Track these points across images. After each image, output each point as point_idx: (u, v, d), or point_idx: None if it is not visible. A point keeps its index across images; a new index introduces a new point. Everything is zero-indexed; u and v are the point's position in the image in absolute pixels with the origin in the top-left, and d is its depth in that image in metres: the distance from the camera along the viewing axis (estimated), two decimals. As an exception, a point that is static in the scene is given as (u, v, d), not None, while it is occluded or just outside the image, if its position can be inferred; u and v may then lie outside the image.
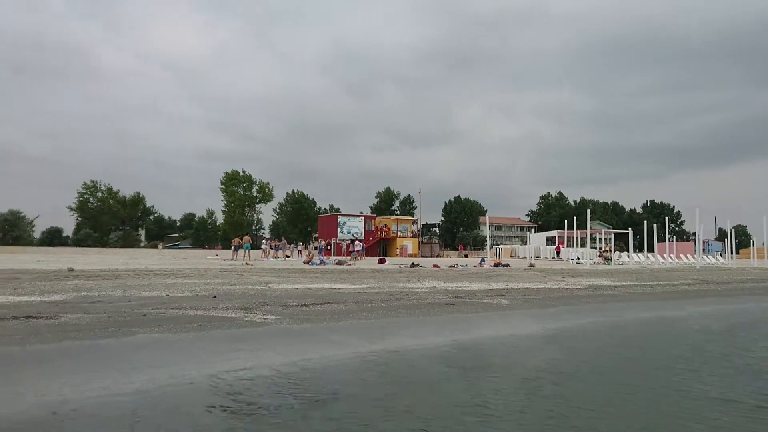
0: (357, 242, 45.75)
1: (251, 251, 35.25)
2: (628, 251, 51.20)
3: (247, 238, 37.04)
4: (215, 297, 12.71)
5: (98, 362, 6.56)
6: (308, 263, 29.75)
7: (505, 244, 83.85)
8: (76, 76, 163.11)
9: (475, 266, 31.67)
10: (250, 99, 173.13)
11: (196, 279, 16.86)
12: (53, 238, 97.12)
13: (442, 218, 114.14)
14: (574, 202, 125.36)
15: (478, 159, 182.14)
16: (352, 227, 59.73)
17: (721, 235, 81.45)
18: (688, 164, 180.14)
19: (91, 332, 7.98)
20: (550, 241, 65.80)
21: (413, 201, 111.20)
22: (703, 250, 55.36)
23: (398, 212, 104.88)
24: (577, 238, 47.76)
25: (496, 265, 34.10)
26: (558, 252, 54.94)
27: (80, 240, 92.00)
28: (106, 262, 24.34)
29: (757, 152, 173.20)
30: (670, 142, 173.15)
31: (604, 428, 5.01)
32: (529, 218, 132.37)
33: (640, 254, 51.28)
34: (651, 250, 49.32)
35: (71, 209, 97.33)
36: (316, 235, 68.18)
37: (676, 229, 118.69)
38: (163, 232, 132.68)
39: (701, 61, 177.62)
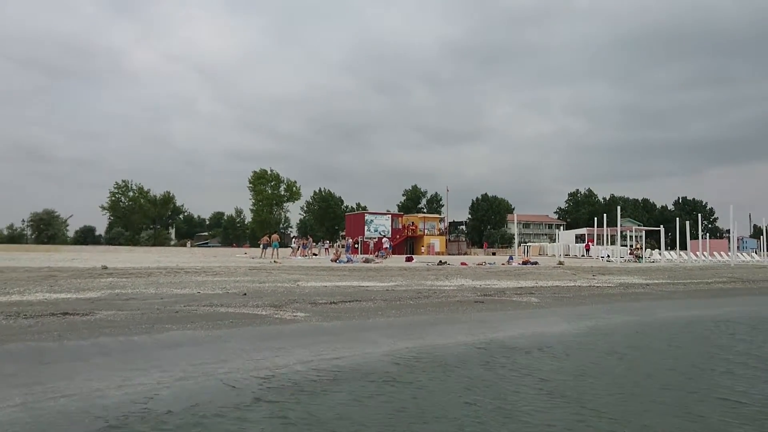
0: (385, 239, 45.79)
1: (279, 249, 35.54)
2: (659, 249, 50.32)
3: (275, 236, 37.34)
4: (245, 294, 12.82)
5: (133, 358, 6.67)
6: (336, 261, 29.86)
7: (533, 242, 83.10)
8: (109, 78, 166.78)
9: (503, 264, 31.43)
10: (278, 98, 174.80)
11: (225, 277, 17.04)
12: (86, 236, 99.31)
13: (470, 216, 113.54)
14: (604, 199, 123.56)
15: (505, 156, 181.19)
16: (379, 225, 59.77)
17: (756, 233, 79.54)
18: (722, 159, 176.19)
19: (125, 329, 8.11)
20: (579, 238, 65.04)
21: (440, 199, 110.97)
22: (738, 247, 54.12)
23: (425, 210, 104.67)
24: (607, 235, 47.07)
25: (525, 263, 33.81)
26: (587, 250, 54.26)
27: (112, 239, 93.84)
28: (137, 260, 24.77)
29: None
30: (704, 136, 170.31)
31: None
32: (557, 216, 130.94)
33: (671, 252, 50.39)
34: (683, 247, 48.47)
35: (103, 208, 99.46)
36: (343, 233, 68.41)
37: (709, 226, 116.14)
38: (192, 231, 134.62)
39: (735, 52, 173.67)
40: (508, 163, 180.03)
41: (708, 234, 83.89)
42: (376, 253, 41.82)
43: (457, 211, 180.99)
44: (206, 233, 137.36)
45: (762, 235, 51.78)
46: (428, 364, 7.20)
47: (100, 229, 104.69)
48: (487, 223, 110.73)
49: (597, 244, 51.65)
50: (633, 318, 12.45)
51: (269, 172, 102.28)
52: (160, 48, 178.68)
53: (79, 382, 5.59)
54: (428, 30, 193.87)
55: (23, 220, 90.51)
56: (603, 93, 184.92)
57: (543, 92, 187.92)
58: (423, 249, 58.76)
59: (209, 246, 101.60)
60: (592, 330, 10.46)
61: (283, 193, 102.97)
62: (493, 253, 66.91)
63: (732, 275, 28.14)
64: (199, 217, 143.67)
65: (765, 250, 49.76)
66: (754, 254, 58.63)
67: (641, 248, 47.39)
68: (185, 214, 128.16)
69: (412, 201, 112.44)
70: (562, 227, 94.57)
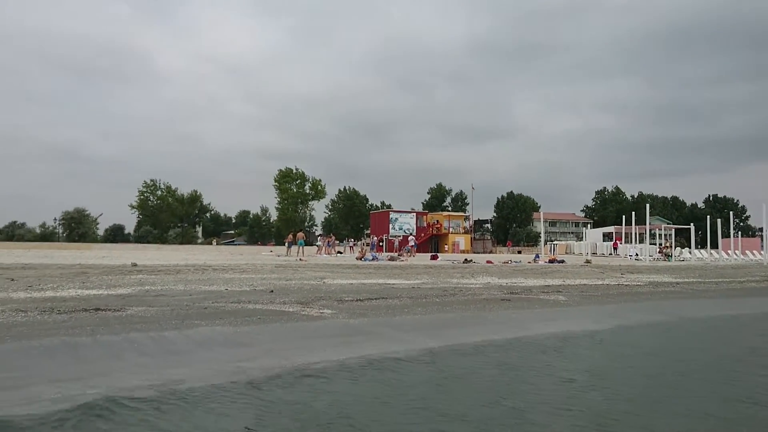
0: (411, 237, 45.76)
1: (305, 247, 35.74)
2: (689, 247, 49.42)
3: (300, 234, 37.54)
4: (272, 292, 12.92)
5: (163, 352, 6.78)
6: (361, 259, 29.93)
7: (559, 241, 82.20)
8: (141, 79, 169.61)
9: (529, 262, 31.17)
10: (303, 97, 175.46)
11: (252, 274, 17.19)
12: (116, 235, 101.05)
13: (495, 214, 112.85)
14: (632, 197, 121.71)
15: (531, 154, 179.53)
16: (404, 223, 59.72)
17: (790, 231, 77.55)
18: (755, 156, 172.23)
19: (156, 324, 8.23)
20: (607, 237, 64.21)
21: (465, 197, 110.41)
22: (771, 246, 52.86)
23: (450, 208, 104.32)
24: (635, 233, 46.35)
25: (551, 261, 33.48)
26: (615, 248, 53.52)
27: (141, 237, 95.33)
28: (166, 258, 25.13)
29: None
30: (736, 133, 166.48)
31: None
32: (584, 214, 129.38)
33: (702, 250, 49.46)
34: (714, 246, 47.45)
35: (132, 207, 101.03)
36: (368, 231, 68.55)
37: (741, 224, 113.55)
38: (219, 229, 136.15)
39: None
40: (534, 160, 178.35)
41: (740, 232, 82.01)
42: (402, 249, 41.83)
43: (483, 210, 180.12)
44: (232, 231, 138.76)
45: (796, 233, 50.50)
46: (456, 360, 7.18)
47: (129, 228, 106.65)
48: (513, 222, 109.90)
49: (625, 242, 50.91)
50: (663, 317, 12.23)
51: (294, 170, 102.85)
52: (190, 49, 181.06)
53: (113, 377, 5.70)
54: (454, 27, 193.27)
55: (55, 219, 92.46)
56: (632, 89, 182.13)
57: (571, 89, 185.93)
58: (446, 247, 58.54)
59: (235, 244, 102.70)
60: (623, 328, 10.31)
61: (308, 191, 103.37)
62: (519, 252, 66.39)
63: (765, 274, 27.50)
64: (225, 215, 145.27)
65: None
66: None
67: (671, 246, 46.58)
68: (212, 212, 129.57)
69: (436, 199, 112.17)
70: (589, 225, 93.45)
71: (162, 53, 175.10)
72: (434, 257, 35.62)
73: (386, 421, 4.85)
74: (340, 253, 41.08)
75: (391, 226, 58.64)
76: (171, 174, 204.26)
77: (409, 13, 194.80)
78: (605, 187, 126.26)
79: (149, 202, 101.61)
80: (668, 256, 43.46)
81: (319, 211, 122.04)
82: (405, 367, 6.79)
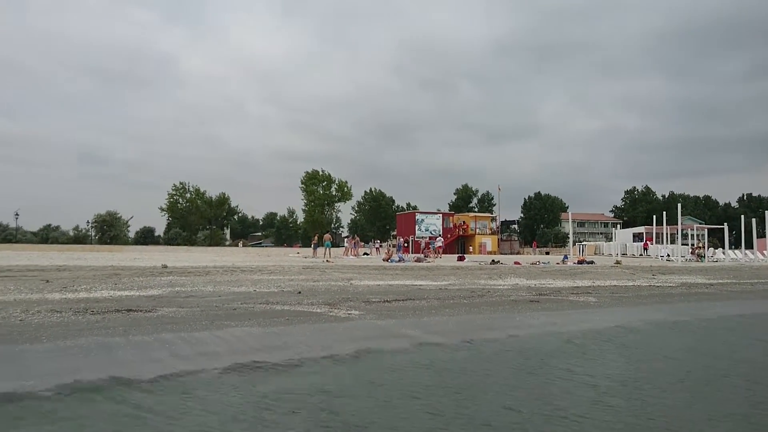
0: (439, 238, 45.64)
1: (332, 249, 35.87)
2: (723, 248, 48.34)
3: (327, 236, 37.70)
4: (300, 293, 12.98)
5: (196, 354, 6.85)
6: (387, 260, 29.93)
7: (588, 241, 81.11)
8: (163, 82, 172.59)
9: (557, 263, 30.82)
10: (327, 98, 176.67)
11: (280, 275, 17.30)
12: (146, 237, 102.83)
13: (522, 215, 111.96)
14: (663, 196, 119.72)
15: (558, 153, 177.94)
16: (430, 224, 59.59)
17: (829, 230, 75.35)
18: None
19: (186, 325, 8.33)
20: (637, 237, 63.22)
21: (492, 198, 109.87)
22: (809, 246, 51.41)
23: (476, 209, 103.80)
24: (666, 234, 45.49)
25: (580, 262, 33.08)
26: (646, 249, 52.64)
27: (170, 239, 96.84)
28: (195, 260, 25.45)
29: None
30: (766, 130, 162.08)
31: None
32: (613, 214, 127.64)
33: (736, 251, 48.32)
34: (749, 246, 46.30)
35: (162, 210, 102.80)
36: (394, 232, 68.53)
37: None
38: (246, 231, 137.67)
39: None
40: (558, 160, 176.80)
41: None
42: (427, 247, 41.73)
43: (510, 210, 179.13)
44: (260, 233, 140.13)
45: (835, 233, 49.06)
46: (481, 363, 7.12)
47: (159, 230, 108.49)
48: (540, 222, 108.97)
49: (656, 242, 50.03)
50: (698, 319, 11.96)
51: (321, 172, 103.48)
52: (212, 52, 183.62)
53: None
54: (475, 27, 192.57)
55: (88, 222, 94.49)
56: (660, 87, 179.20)
57: (594, 88, 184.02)
58: (471, 248, 58.21)
59: (262, 246, 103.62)
60: (655, 330, 10.11)
61: (334, 193, 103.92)
62: (547, 253, 65.76)
63: (803, 275, 26.76)
64: (252, 217, 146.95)
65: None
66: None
67: (703, 247, 45.65)
68: (239, 214, 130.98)
69: (463, 200, 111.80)
70: (618, 226, 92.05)
71: (185, 57, 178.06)
72: (461, 258, 35.47)
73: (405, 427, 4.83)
74: (366, 254, 41.14)
75: (417, 227, 58.56)
76: (196, 176, 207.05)
77: (430, 13, 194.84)
78: (635, 187, 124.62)
79: (178, 204, 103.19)
80: (701, 257, 42.57)
81: (345, 212, 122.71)
82: (436, 364, 6.76)
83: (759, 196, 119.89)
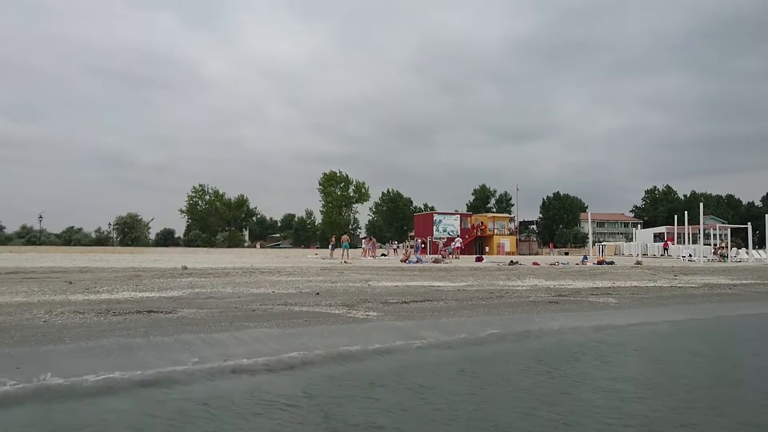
0: (457, 239, 45.53)
1: (349, 250, 35.89)
2: (746, 248, 47.56)
3: (345, 237, 37.73)
4: (318, 294, 13.02)
5: (216, 356, 6.91)
6: (405, 261, 29.88)
7: (608, 241, 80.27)
8: (186, 86, 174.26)
9: (577, 264, 30.54)
10: (345, 100, 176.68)
11: (298, 276, 17.37)
12: (166, 238, 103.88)
13: (541, 215, 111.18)
14: (684, 196, 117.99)
15: (577, 153, 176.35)
16: (448, 225, 59.41)
17: None
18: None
19: (206, 326, 8.40)
20: (658, 237, 62.34)
21: (510, 198, 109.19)
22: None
23: (494, 210, 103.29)
24: (688, 234, 44.80)
25: (600, 262, 32.74)
26: (666, 249, 51.96)
27: (190, 241, 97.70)
28: (214, 261, 25.63)
29: None
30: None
31: None
32: (633, 214, 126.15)
33: (760, 251, 47.52)
34: (774, 246, 45.52)
35: (182, 212, 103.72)
36: (412, 233, 68.46)
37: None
38: (264, 232, 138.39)
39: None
40: (577, 160, 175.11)
41: (801, 231, 78.53)
42: (445, 249, 41.64)
43: (528, 211, 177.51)
44: (278, 235, 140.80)
45: None
46: (498, 365, 7.09)
47: (179, 232, 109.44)
48: (559, 222, 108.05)
49: (677, 242, 49.39)
50: (720, 320, 11.81)
51: (338, 173, 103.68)
52: (232, 55, 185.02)
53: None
54: (494, 27, 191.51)
55: (110, 224, 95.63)
56: (681, 84, 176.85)
57: (614, 87, 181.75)
58: (488, 249, 57.90)
59: (280, 247, 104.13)
60: (678, 331, 10.00)
61: (352, 194, 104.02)
62: (566, 253, 65.21)
63: (830, 275, 26.23)
64: (271, 219, 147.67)
65: None
66: None
67: (726, 247, 44.94)
68: (258, 216, 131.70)
69: (480, 200, 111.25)
70: (638, 226, 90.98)
71: (206, 60, 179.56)
72: (479, 259, 35.31)
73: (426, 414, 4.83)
74: (384, 255, 41.13)
75: (435, 228, 58.41)
76: (216, 178, 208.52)
77: (448, 14, 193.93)
78: (656, 186, 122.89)
79: (198, 206, 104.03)
80: (724, 257, 41.91)
81: (363, 213, 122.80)
82: (452, 367, 6.75)
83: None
